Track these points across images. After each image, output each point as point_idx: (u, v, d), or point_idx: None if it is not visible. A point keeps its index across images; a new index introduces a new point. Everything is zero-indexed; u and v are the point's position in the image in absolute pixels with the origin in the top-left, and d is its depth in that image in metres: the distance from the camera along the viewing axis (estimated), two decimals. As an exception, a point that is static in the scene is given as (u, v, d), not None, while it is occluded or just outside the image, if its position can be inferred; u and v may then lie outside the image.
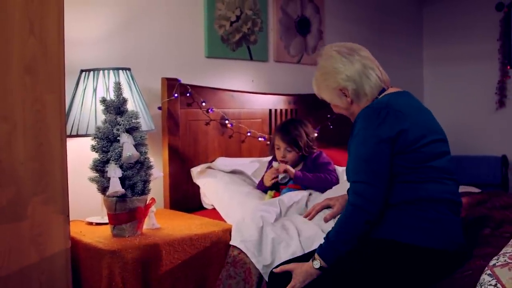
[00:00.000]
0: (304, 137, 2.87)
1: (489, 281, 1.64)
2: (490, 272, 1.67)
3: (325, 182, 2.73)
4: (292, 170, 2.78)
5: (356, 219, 1.87)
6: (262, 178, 2.90)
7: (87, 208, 2.64)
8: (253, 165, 3.10)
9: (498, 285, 1.62)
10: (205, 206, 2.97)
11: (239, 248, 2.34)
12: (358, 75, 2.02)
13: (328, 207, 2.39)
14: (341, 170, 2.93)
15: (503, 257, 1.73)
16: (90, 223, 2.55)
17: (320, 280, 1.87)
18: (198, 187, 2.97)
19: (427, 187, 1.89)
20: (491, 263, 1.71)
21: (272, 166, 2.86)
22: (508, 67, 4.52)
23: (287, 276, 1.96)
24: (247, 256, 2.30)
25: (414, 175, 1.90)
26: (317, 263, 1.89)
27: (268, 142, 3.31)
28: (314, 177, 2.76)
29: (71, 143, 2.50)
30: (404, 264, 1.83)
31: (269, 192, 2.81)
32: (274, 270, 2.04)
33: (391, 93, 2.04)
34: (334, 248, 1.88)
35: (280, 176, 2.79)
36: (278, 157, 2.89)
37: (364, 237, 1.90)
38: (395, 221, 1.89)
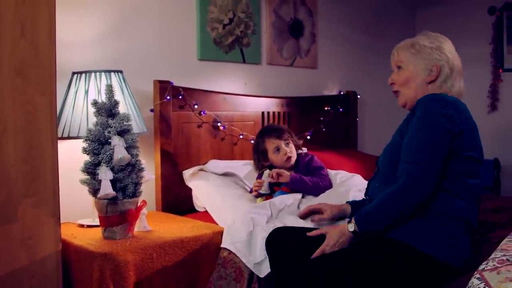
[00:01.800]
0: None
1: (478, 285, 1.64)
2: (479, 276, 1.68)
3: (319, 189, 2.73)
4: (287, 175, 2.73)
5: (401, 200, 1.87)
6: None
7: (79, 211, 2.63)
8: (245, 168, 3.09)
9: (487, 288, 1.63)
10: (197, 208, 2.97)
11: (229, 249, 2.34)
12: (457, 69, 2.07)
13: (318, 212, 2.36)
14: (333, 174, 2.93)
15: (492, 262, 1.73)
16: (82, 226, 2.55)
17: (333, 269, 1.85)
18: (190, 190, 2.96)
19: (458, 203, 1.91)
20: (481, 267, 1.72)
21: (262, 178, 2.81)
22: (500, 70, 4.55)
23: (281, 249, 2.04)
24: (237, 257, 2.31)
25: (452, 186, 1.91)
26: (351, 227, 1.93)
27: None
28: (309, 180, 2.74)
29: (63, 145, 2.50)
30: (415, 271, 1.84)
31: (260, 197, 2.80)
32: (308, 233, 2.06)
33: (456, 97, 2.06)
34: (371, 221, 1.91)
35: (262, 189, 2.75)
36: (280, 159, 2.84)
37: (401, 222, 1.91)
38: (417, 228, 1.89)
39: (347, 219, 2.05)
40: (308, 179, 2.75)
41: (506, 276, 1.63)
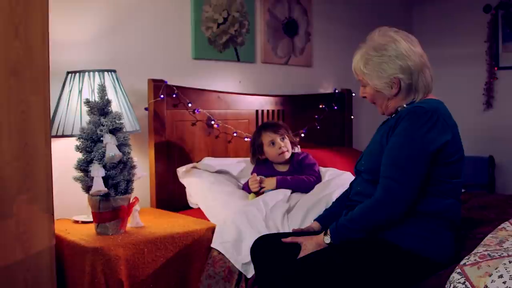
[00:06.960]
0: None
1: (458, 279, 1.68)
2: (460, 271, 1.71)
3: (303, 184, 2.78)
4: (272, 183, 2.79)
5: (377, 215, 1.86)
6: (247, 182, 2.90)
7: (74, 207, 2.68)
8: (239, 166, 3.13)
9: (467, 283, 1.66)
10: (191, 205, 3.00)
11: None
12: (417, 69, 1.92)
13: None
14: (324, 171, 2.97)
15: (473, 257, 1.77)
16: (76, 222, 2.59)
17: (315, 267, 1.86)
18: (184, 187, 2.99)
19: (441, 202, 1.90)
20: (462, 262, 1.75)
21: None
22: (496, 68, 4.57)
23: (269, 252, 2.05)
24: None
25: (435, 188, 1.89)
26: (327, 239, 1.93)
27: None
28: (294, 180, 2.80)
29: (58, 144, 2.55)
30: (397, 267, 1.85)
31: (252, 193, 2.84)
32: (283, 240, 2.06)
33: (436, 100, 1.98)
34: (347, 234, 1.90)
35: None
36: (274, 153, 2.89)
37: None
38: (398, 225, 1.89)
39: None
40: (291, 181, 2.79)
41: (486, 271, 1.66)
